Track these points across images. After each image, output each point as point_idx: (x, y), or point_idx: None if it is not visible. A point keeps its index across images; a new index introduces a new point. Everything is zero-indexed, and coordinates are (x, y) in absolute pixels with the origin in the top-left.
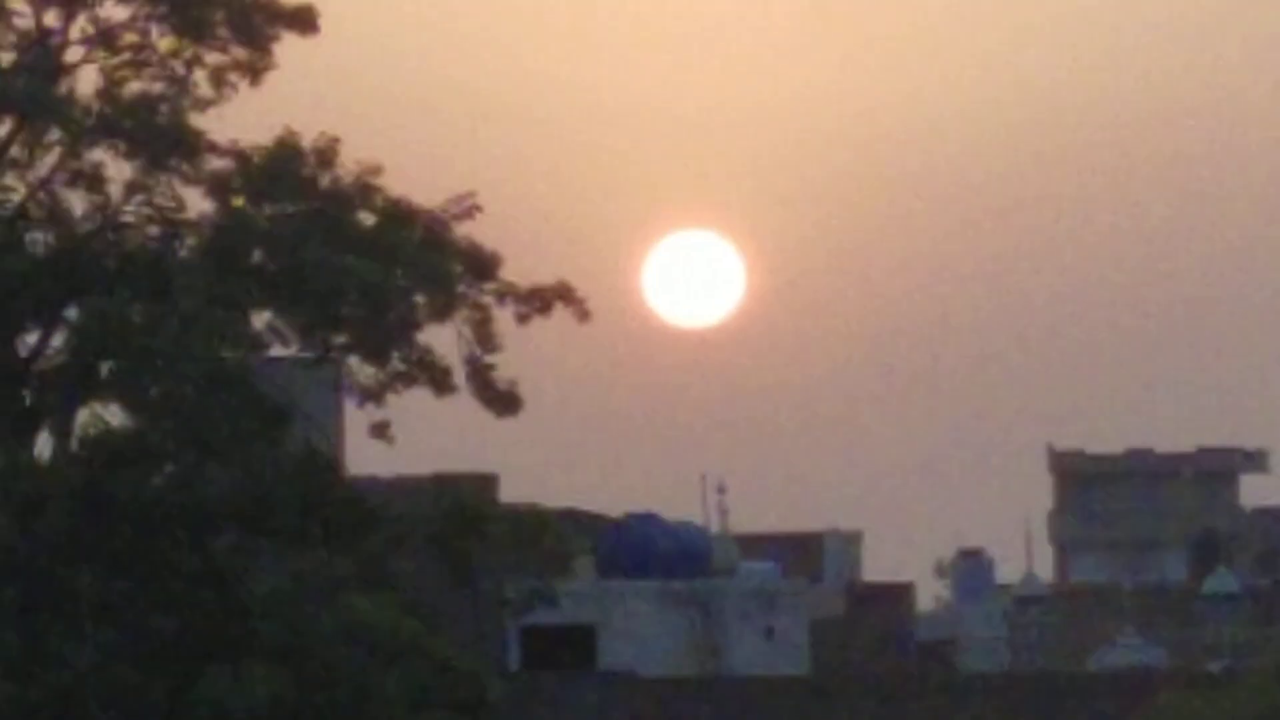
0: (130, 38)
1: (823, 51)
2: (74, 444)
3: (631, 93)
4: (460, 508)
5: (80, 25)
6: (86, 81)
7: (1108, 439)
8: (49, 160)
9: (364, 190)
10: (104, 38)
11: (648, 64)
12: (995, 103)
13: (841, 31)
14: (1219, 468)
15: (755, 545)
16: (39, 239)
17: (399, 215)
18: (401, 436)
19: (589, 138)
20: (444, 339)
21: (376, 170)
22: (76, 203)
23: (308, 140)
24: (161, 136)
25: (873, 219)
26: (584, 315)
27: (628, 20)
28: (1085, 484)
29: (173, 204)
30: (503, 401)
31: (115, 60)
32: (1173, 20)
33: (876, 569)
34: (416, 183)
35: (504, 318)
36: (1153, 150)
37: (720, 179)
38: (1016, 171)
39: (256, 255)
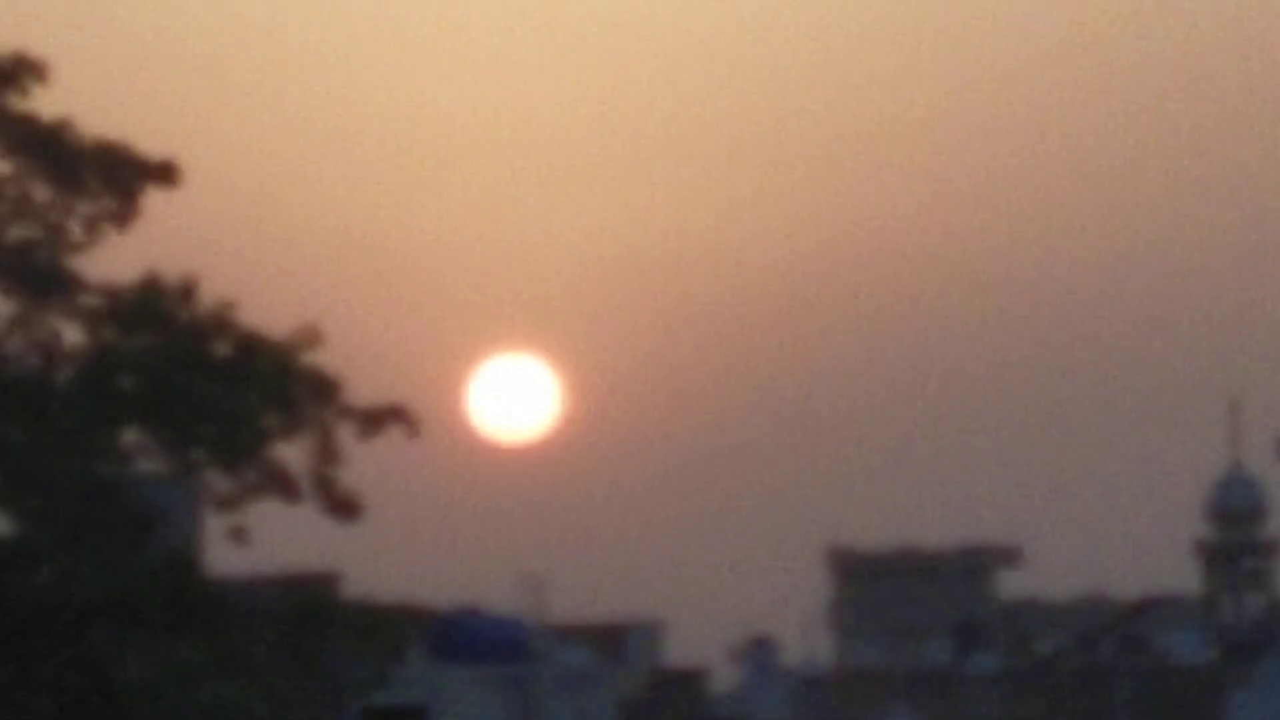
0: (12, 190)
1: (635, 180)
2: None
3: (456, 229)
4: (307, 603)
5: None
6: None
7: (880, 536)
8: None
9: (220, 323)
10: None
11: (470, 200)
12: (793, 227)
13: (652, 158)
14: (977, 563)
15: (568, 634)
16: None
17: (251, 345)
18: (255, 540)
19: (420, 270)
20: (292, 454)
21: (231, 306)
22: None
23: (171, 279)
24: (40, 277)
25: (670, 343)
26: (415, 432)
27: (447, 156)
28: (859, 577)
29: (50, 337)
30: (344, 508)
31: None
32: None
33: (677, 655)
34: (268, 315)
35: (345, 434)
36: (901, 256)
37: (536, 305)
38: (813, 285)
39: (126, 381)
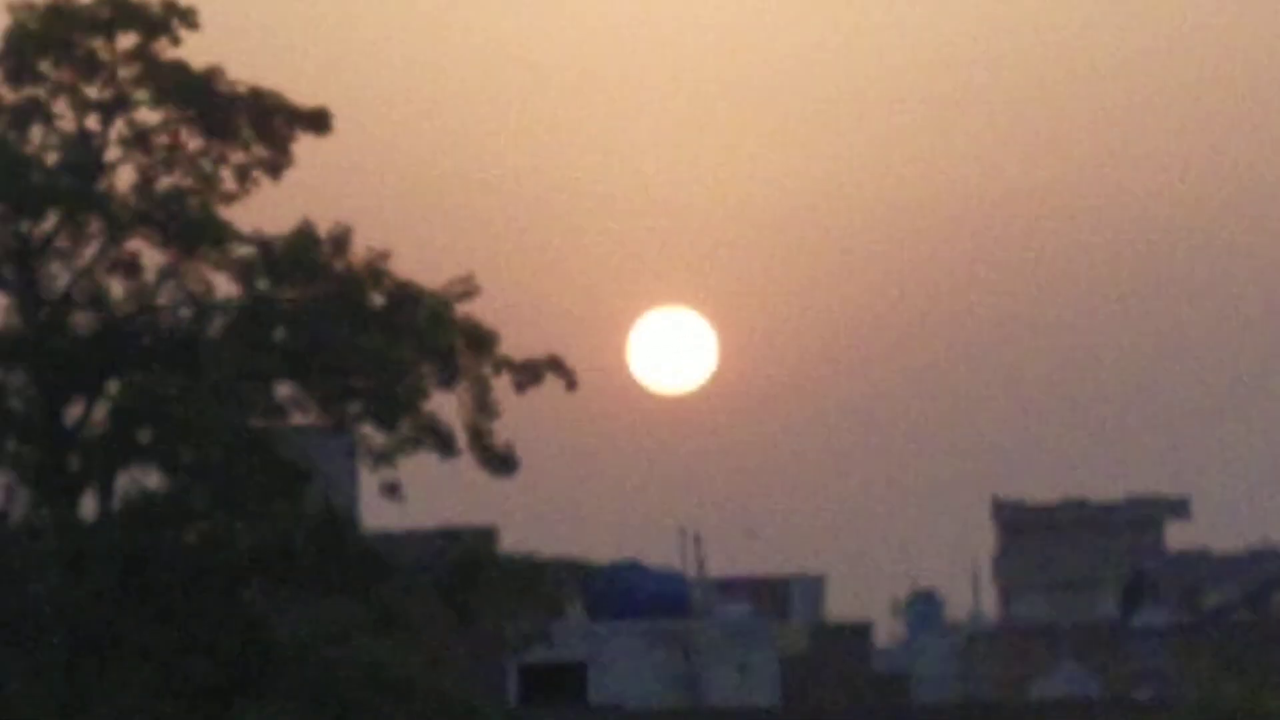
0: (163, 139)
1: (789, 136)
2: (115, 505)
3: (614, 184)
4: (463, 558)
5: (118, 128)
6: (124, 178)
7: (1045, 489)
8: (90, 250)
9: (374, 274)
10: (139, 139)
11: (630, 152)
12: (956, 189)
13: (805, 118)
14: (1146, 515)
15: (729, 589)
16: (82, 321)
17: (406, 296)
18: (410, 495)
19: (577, 224)
20: (447, 407)
21: (385, 256)
22: (115, 287)
23: (323, 229)
24: (192, 227)
25: (829, 296)
26: (572, 384)
27: (609, 113)
28: (1025, 530)
29: (202, 288)
30: (501, 462)
31: (149, 159)
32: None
33: (839, 609)
34: (422, 266)
35: (501, 387)
36: (1078, 215)
37: (695, 261)
38: (970, 245)
39: (278, 333)
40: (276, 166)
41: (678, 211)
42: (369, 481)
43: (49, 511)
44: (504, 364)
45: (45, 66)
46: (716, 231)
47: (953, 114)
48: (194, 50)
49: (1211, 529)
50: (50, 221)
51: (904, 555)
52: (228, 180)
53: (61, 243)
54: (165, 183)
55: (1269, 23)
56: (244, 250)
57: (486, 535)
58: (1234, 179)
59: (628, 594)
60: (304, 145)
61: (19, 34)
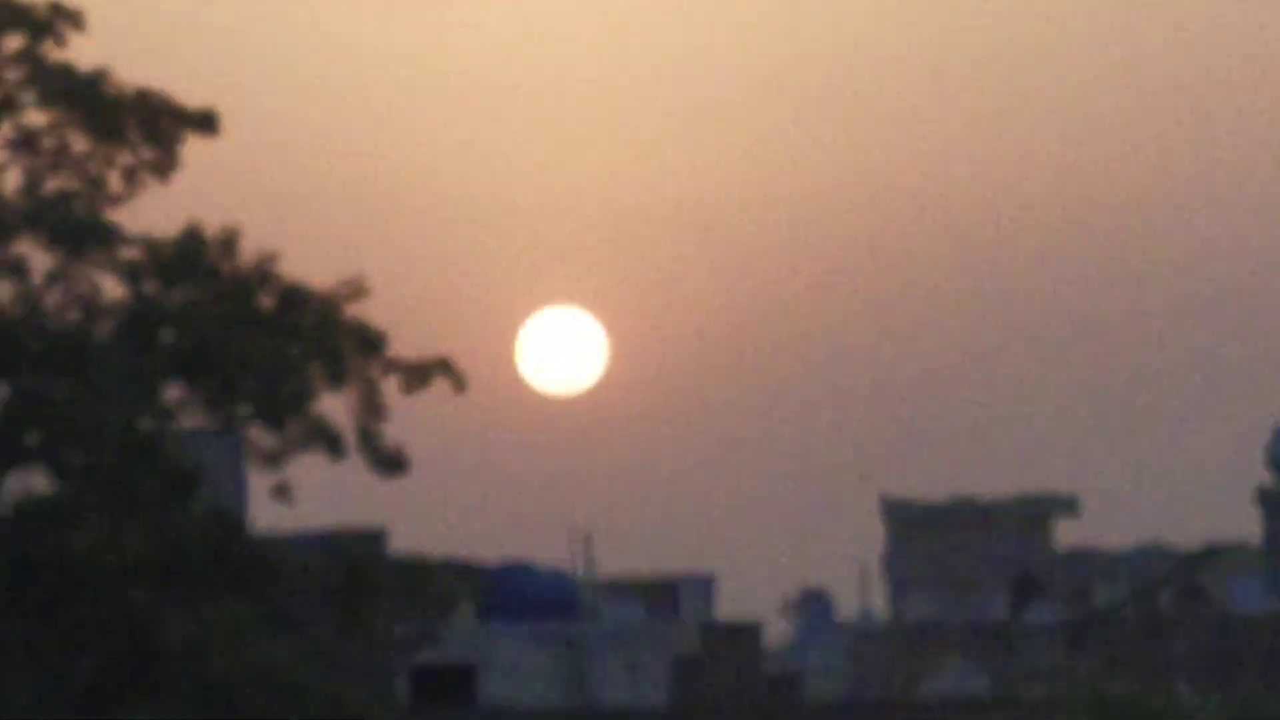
0: (50, 141)
1: (677, 134)
2: (2, 508)
3: (503, 184)
4: (353, 560)
5: (4, 130)
6: (10, 181)
7: (934, 487)
8: None
9: (263, 275)
10: (26, 141)
11: (517, 151)
12: (844, 183)
13: (690, 115)
14: (1035, 513)
15: (618, 589)
16: None
17: (295, 298)
18: (299, 496)
19: (466, 224)
20: (336, 408)
21: (274, 257)
22: (3, 290)
23: (211, 231)
24: (79, 229)
25: (718, 293)
26: (461, 386)
27: (497, 112)
28: (914, 528)
29: (90, 290)
30: (390, 463)
31: (36, 161)
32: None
33: (729, 609)
34: (310, 268)
35: (390, 388)
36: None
37: (585, 260)
38: (859, 239)
39: (167, 335)
40: (164, 168)
41: (567, 210)
42: (258, 483)
43: None
44: (393, 365)
45: None
46: (606, 230)
47: (836, 109)
48: (80, 52)
49: (1101, 527)
50: None
51: (793, 554)
52: (115, 182)
53: None
54: (52, 185)
55: None
56: (132, 252)
57: (376, 537)
58: (1123, 173)
59: (517, 595)
60: (192, 147)
61: None
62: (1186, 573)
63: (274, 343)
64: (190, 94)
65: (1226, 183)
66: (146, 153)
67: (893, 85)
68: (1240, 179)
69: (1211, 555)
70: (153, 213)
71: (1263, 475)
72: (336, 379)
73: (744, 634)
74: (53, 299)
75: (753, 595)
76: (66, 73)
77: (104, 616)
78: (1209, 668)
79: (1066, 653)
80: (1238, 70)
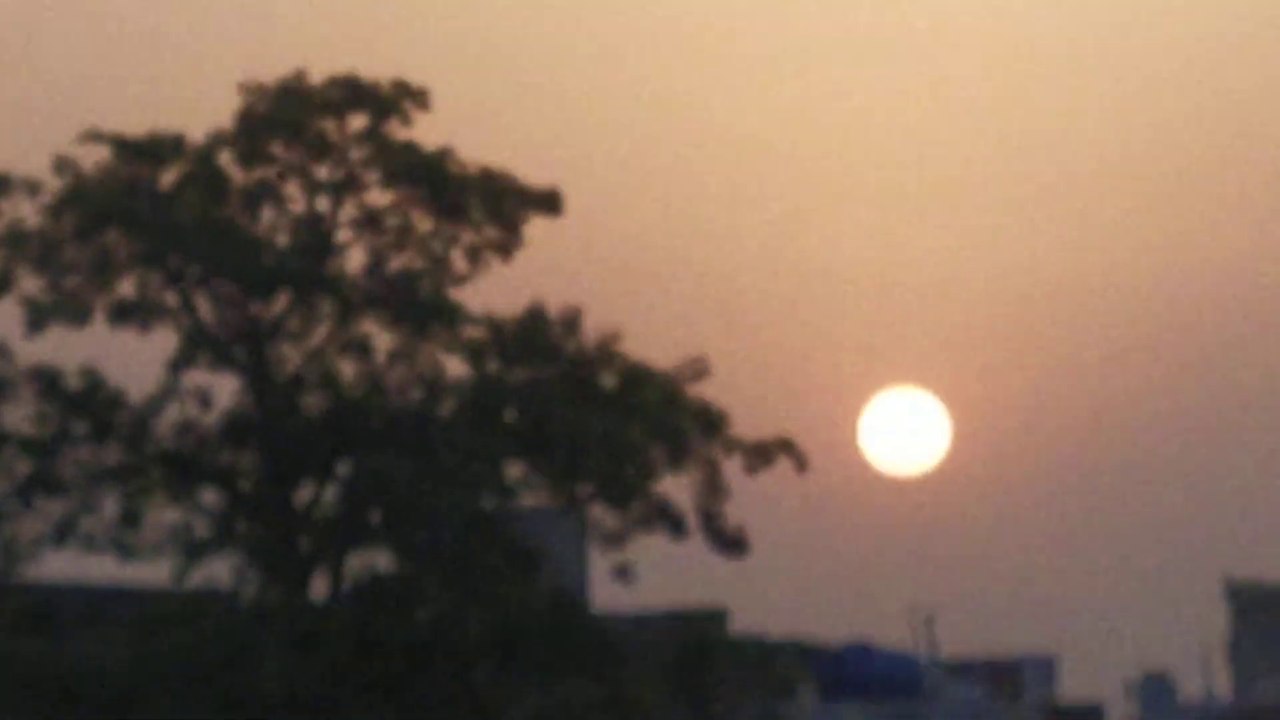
0: (393, 220)
1: (1022, 214)
2: (345, 587)
3: (846, 263)
4: (694, 640)
5: (348, 209)
6: (354, 260)
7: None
8: (321, 331)
9: (605, 354)
10: (370, 220)
11: (861, 232)
12: (1192, 268)
13: (1035, 197)
14: None
15: (961, 670)
16: (312, 402)
17: (637, 377)
18: (641, 576)
19: (809, 303)
20: (678, 488)
21: (616, 336)
22: (346, 369)
23: (554, 310)
24: (423, 308)
25: (1061, 375)
26: (803, 465)
27: (840, 191)
28: (1260, 610)
29: (433, 369)
30: (731, 544)
31: (380, 240)
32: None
33: (1071, 691)
34: (652, 347)
35: (732, 468)
36: None
37: (927, 340)
38: (1205, 324)
39: (509, 414)
40: (507, 247)
41: (911, 290)
42: (600, 563)
43: (279, 592)
44: (735, 445)
45: (276, 148)
46: (950, 311)
47: (1186, 192)
48: (425, 131)
49: None
50: (281, 303)
51: (1136, 635)
52: (458, 261)
53: (292, 324)
54: (396, 263)
55: None
56: (475, 331)
57: (717, 617)
58: None
59: (860, 674)
60: (535, 226)
61: (250, 115)
62: None
63: (616, 422)
64: (534, 173)
65: None
66: (490, 232)
67: (1244, 169)
68: None
69: None
70: (496, 292)
71: None
72: (678, 459)
73: (1087, 715)
74: (396, 378)
75: (1095, 677)
76: (411, 152)
77: (447, 696)
78: None
79: None
80: None
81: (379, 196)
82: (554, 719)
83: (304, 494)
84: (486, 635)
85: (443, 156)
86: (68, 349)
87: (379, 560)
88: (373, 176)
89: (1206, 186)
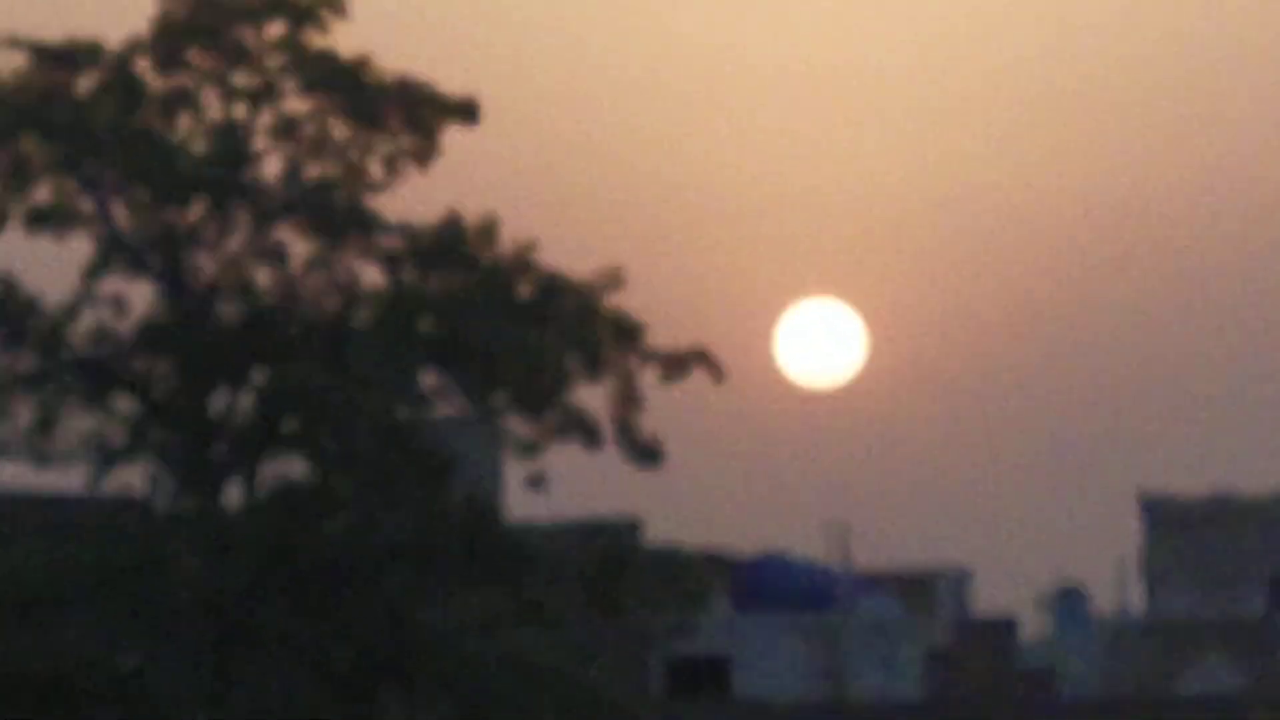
0: (310, 128)
1: (940, 124)
2: (260, 495)
3: (762, 175)
4: (608, 550)
5: (265, 117)
6: (271, 168)
7: (1193, 483)
8: (237, 239)
9: (521, 264)
10: (287, 128)
11: (777, 143)
12: (1117, 178)
13: (961, 105)
14: None
15: (874, 582)
16: (228, 310)
17: (553, 287)
18: (555, 486)
19: (724, 215)
20: (593, 398)
21: (533, 246)
22: (262, 277)
23: (471, 219)
24: (339, 216)
25: (978, 288)
26: (720, 376)
27: (758, 102)
28: (1173, 525)
29: (349, 278)
30: (646, 454)
31: (297, 148)
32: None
33: (984, 604)
34: (569, 257)
35: (648, 378)
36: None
37: (843, 252)
38: (1127, 237)
39: (425, 323)
40: (424, 156)
41: (826, 201)
42: (514, 472)
43: (194, 499)
44: (650, 355)
45: (193, 55)
46: (866, 221)
47: (1111, 106)
48: (342, 39)
49: None
50: (197, 210)
51: (1050, 549)
52: (375, 170)
53: (208, 232)
54: (312, 172)
55: None
56: (391, 240)
57: (631, 527)
58: None
59: (773, 587)
60: (452, 135)
61: (168, 22)
62: None
63: (532, 332)
64: (451, 82)
65: None
66: (407, 141)
67: (1146, 81)
68: None
69: None
70: (412, 201)
71: None
72: (594, 369)
73: (999, 629)
74: (311, 286)
75: (1009, 590)
76: (328, 60)
77: (360, 604)
78: None
79: None
80: None
81: (296, 104)
82: (467, 627)
83: (219, 401)
84: (400, 544)
85: (360, 65)
86: None
87: (294, 468)
88: (290, 84)
89: (1108, 96)
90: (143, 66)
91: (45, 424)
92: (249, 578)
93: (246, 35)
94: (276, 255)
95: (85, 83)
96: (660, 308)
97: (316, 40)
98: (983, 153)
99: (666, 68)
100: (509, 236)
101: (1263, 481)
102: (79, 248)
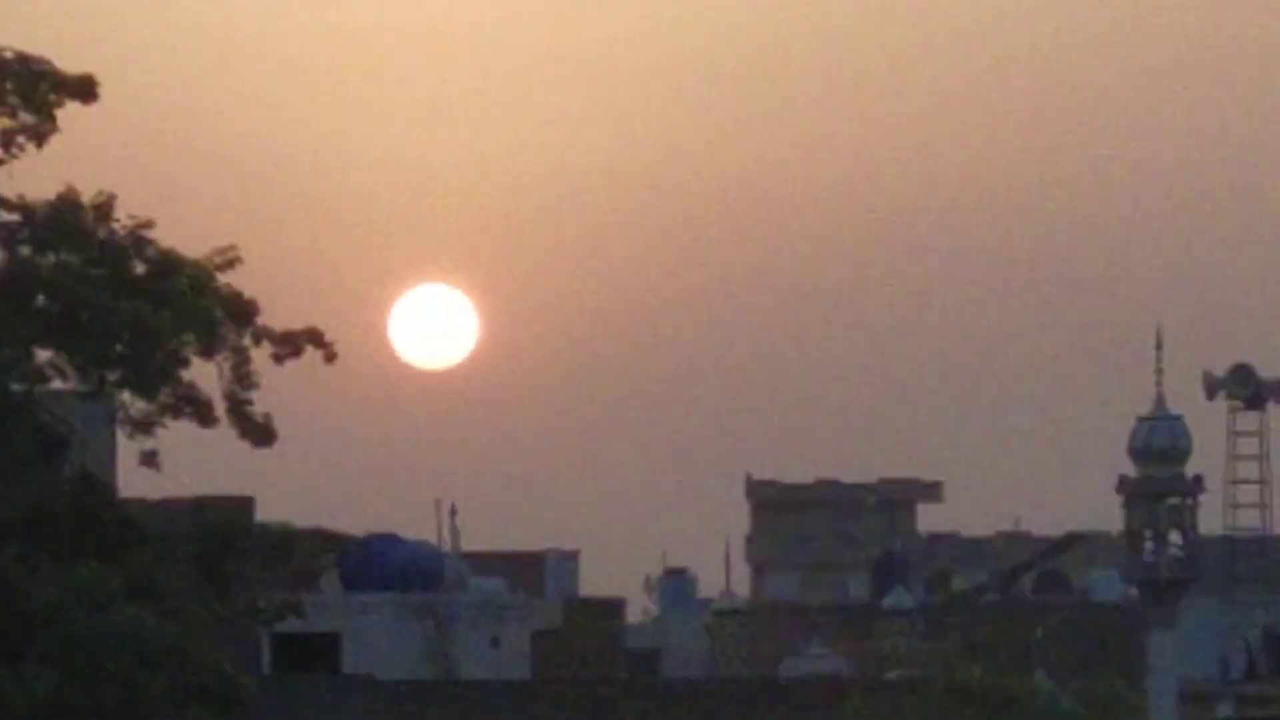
0: None
1: (555, 113)
2: None
3: (379, 159)
4: (219, 527)
5: None
6: None
7: (798, 469)
8: None
9: (137, 242)
10: None
11: (392, 124)
12: (728, 166)
13: (576, 81)
14: (898, 497)
15: (484, 563)
16: None
17: (168, 264)
18: (168, 463)
19: (342, 198)
20: (207, 376)
21: (148, 224)
22: None
23: (87, 197)
24: None
25: (590, 275)
26: (331, 356)
27: (375, 86)
28: (779, 510)
29: None
30: (259, 433)
31: None
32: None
33: (592, 586)
34: (184, 236)
35: (261, 358)
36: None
37: (458, 237)
38: (737, 223)
39: (40, 299)
40: (41, 133)
41: (442, 187)
42: (127, 449)
43: None
44: (264, 335)
45: None
46: (480, 208)
47: (718, 91)
48: None
49: (963, 512)
50: None
51: (657, 532)
52: None
53: None
54: None
55: None
56: (6, 216)
57: (243, 506)
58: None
59: (382, 566)
60: (69, 112)
61: None
62: (1047, 559)
63: (146, 309)
64: (69, 60)
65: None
66: (24, 117)
67: (772, 46)
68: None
69: (1072, 543)
70: (29, 177)
71: (1124, 465)
72: (208, 347)
73: (606, 610)
74: None
75: (616, 572)
76: None
77: None
78: (1067, 653)
79: (927, 636)
80: None
81: None
82: (78, 601)
83: None
84: (11, 517)
85: None
86: None
87: None
88: None
89: (731, 82)
90: None
91: None
92: None
93: None
94: None
95: None
96: (276, 289)
97: None
98: (597, 137)
99: (283, 45)
100: (125, 214)
101: (867, 468)
102: None
